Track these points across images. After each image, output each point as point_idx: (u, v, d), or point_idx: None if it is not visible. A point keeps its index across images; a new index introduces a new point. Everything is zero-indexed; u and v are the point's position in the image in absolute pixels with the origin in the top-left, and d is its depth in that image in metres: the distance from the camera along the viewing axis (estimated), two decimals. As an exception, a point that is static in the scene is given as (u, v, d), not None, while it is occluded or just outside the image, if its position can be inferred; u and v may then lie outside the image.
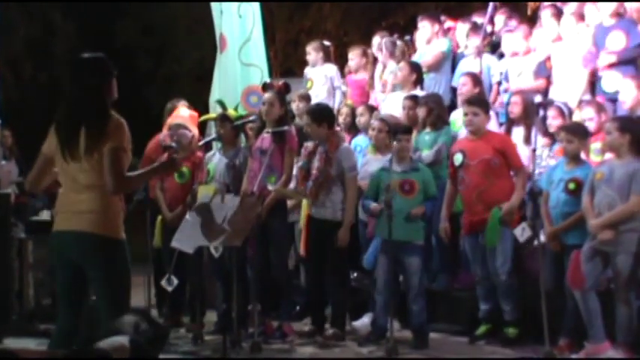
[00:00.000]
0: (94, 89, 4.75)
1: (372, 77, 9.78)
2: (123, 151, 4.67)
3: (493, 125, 8.15)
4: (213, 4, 10.19)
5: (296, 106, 9.08)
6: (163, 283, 7.34)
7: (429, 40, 9.45)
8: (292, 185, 7.82)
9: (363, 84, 9.90)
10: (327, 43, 10.33)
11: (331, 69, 9.98)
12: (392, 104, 8.86)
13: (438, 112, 7.97)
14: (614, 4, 8.24)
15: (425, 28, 9.48)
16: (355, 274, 8.23)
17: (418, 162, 7.49)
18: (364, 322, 7.71)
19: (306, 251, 7.51)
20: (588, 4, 8.75)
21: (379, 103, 9.37)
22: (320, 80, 9.91)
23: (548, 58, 8.68)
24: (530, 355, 6.76)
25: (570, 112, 7.93)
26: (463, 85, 8.36)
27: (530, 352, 6.84)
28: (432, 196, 7.34)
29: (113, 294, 4.73)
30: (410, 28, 10.35)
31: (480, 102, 7.43)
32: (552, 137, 7.71)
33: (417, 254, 7.21)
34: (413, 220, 7.18)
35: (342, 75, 10.16)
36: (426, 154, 7.76)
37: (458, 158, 7.22)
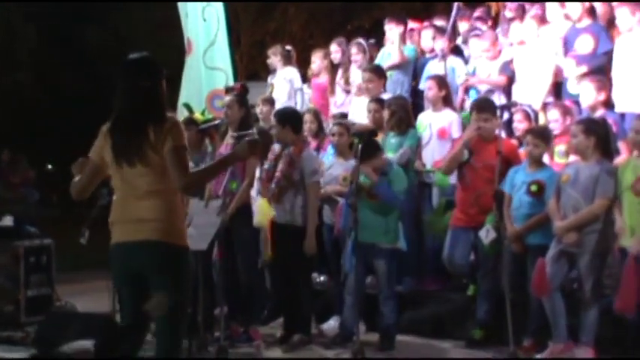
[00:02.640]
0: (151, 91, 4.57)
1: (332, 82, 9.79)
2: (185, 149, 4.49)
3: (458, 126, 8.19)
4: (180, 8, 10.16)
5: (259, 109, 9.07)
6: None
7: (393, 42, 9.46)
8: (255, 188, 7.82)
9: (325, 87, 9.93)
10: (288, 47, 10.35)
11: (291, 72, 10.00)
12: (359, 108, 8.88)
13: (401, 114, 7.94)
14: (583, 5, 8.30)
15: (392, 30, 9.50)
16: (322, 278, 8.24)
17: (388, 164, 7.42)
18: (331, 325, 7.71)
19: (274, 256, 7.48)
20: (551, 6, 8.85)
21: (339, 107, 9.40)
22: (280, 83, 9.95)
23: (512, 61, 8.75)
24: (494, 357, 6.80)
25: (536, 115, 8.00)
26: (429, 90, 8.36)
27: (495, 353, 6.87)
28: (398, 190, 7.25)
29: (177, 303, 4.49)
30: (375, 31, 10.38)
31: (489, 107, 7.37)
32: (518, 140, 7.75)
33: (385, 257, 7.19)
34: (385, 223, 7.14)
35: (306, 78, 10.18)
36: (391, 157, 7.77)
37: (465, 154, 7.22)
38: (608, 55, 8.09)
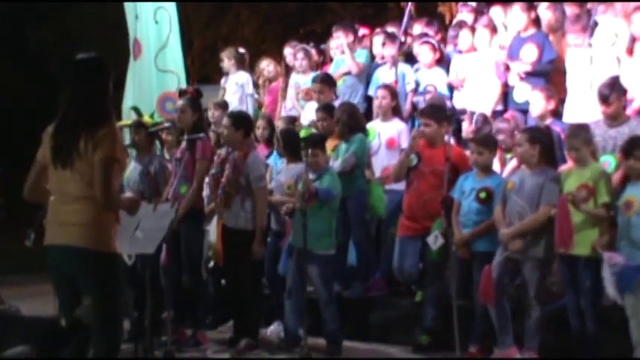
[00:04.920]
0: (97, 92, 4.54)
1: (285, 87, 9.81)
2: (115, 161, 4.46)
3: (406, 136, 8.21)
4: (127, 9, 10.06)
5: (212, 114, 9.03)
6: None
7: (344, 50, 9.50)
8: (205, 193, 7.79)
9: (275, 92, 9.97)
10: (241, 50, 10.33)
11: (243, 76, 9.97)
12: (311, 112, 8.91)
13: (344, 120, 7.89)
14: (528, 15, 8.42)
15: (339, 38, 9.54)
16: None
17: (329, 169, 7.44)
18: (273, 329, 7.74)
19: (224, 260, 7.43)
20: (495, 15, 8.98)
21: (288, 112, 9.42)
22: (231, 88, 9.92)
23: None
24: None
25: (489, 123, 8.08)
26: (383, 99, 8.33)
27: (441, 358, 6.92)
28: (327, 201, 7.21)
29: (104, 308, 4.51)
30: (327, 36, 10.42)
31: (432, 113, 7.35)
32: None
33: (318, 263, 7.16)
34: (318, 229, 7.11)
35: (256, 84, 10.18)
36: (337, 163, 7.76)
37: (413, 159, 7.23)
38: (553, 63, 8.23)
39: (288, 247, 7.19)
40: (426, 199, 7.12)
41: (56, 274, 4.63)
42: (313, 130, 8.30)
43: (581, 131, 6.53)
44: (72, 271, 4.52)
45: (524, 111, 8.08)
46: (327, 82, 8.89)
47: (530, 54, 8.31)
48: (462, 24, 9.30)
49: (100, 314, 4.51)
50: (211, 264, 7.63)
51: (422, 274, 7.43)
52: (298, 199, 7.12)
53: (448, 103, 8.48)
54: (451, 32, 9.52)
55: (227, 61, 10.09)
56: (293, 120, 8.98)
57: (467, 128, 8.23)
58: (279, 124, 8.68)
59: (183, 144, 7.56)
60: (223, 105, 9.25)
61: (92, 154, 4.42)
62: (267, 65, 10.20)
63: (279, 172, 7.95)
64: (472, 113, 8.26)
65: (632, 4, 7.90)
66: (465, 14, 9.88)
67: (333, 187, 7.24)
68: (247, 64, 10.23)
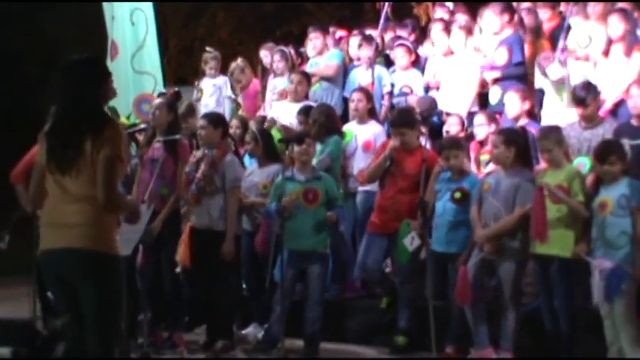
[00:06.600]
0: (91, 93, 4.48)
1: (263, 89, 9.81)
2: (120, 160, 4.39)
3: (382, 135, 8.24)
4: (105, 10, 10.04)
5: (185, 126, 8.97)
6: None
7: (320, 51, 9.52)
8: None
9: (254, 94, 9.95)
10: (214, 51, 10.32)
11: (220, 79, 9.98)
12: (280, 112, 8.91)
13: (320, 121, 7.92)
14: (498, 20, 8.47)
15: (317, 39, 9.57)
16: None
17: (319, 170, 7.46)
18: (251, 330, 7.72)
19: (191, 261, 7.36)
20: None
21: (267, 113, 9.43)
22: (209, 90, 9.91)
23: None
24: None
25: (463, 123, 8.12)
26: (359, 102, 8.32)
27: (418, 359, 6.94)
28: (336, 203, 7.30)
29: (104, 312, 4.43)
30: (304, 38, 10.44)
31: (404, 122, 7.30)
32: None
33: (321, 262, 7.21)
34: (321, 228, 7.15)
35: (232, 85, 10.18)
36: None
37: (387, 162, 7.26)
38: (522, 65, 8.29)
39: (289, 252, 7.13)
40: (394, 200, 7.15)
41: (53, 279, 4.53)
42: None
43: (551, 133, 6.56)
44: (72, 273, 4.42)
45: (499, 113, 8.12)
46: (305, 75, 9.03)
47: (501, 57, 8.36)
48: (437, 25, 9.35)
49: (99, 317, 4.43)
50: (178, 269, 7.51)
51: (387, 278, 7.46)
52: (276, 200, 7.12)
53: (430, 101, 8.54)
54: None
55: (211, 67, 10.06)
56: (263, 120, 9.01)
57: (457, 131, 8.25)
58: (253, 124, 8.67)
59: (157, 144, 7.52)
60: (191, 111, 9.16)
61: (97, 155, 4.36)
62: (238, 74, 10.12)
63: (251, 172, 7.94)
64: (460, 117, 8.29)
65: (603, 6, 7.97)
66: (440, 13, 9.94)
67: (339, 192, 7.37)
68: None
